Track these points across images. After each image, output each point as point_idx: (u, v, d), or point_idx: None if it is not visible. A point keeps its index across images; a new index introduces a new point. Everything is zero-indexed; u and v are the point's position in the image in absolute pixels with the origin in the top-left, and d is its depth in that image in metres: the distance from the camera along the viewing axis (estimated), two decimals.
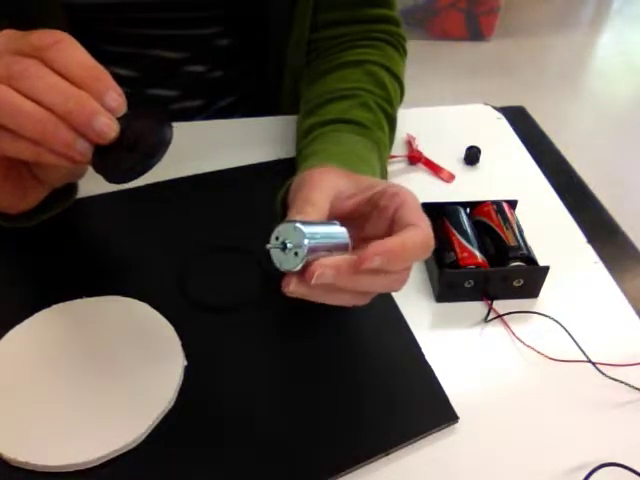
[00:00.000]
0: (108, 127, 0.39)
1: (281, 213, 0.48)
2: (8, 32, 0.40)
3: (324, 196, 0.42)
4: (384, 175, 0.57)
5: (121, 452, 0.39)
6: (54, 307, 0.47)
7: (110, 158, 0.40)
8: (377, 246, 0.37)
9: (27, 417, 0.40)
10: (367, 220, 0.43)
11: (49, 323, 0.46)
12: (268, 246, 0.37)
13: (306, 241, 0.35)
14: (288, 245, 0.36)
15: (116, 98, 0.39)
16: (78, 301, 0.48)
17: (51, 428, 0.40)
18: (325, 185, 0.43)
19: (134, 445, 0.40)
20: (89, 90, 0.38)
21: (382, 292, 0.42)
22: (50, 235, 0.53)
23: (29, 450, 0.38)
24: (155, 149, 0.40)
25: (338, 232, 0.39)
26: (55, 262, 0.52)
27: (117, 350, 0.45)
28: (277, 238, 0.36)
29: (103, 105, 0.38)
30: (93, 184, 0.55)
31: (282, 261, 0.36)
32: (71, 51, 0.39)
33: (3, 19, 0.53)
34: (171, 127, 0.41)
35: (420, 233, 0.40)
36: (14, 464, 0.38)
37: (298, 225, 0.36)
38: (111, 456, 0.39)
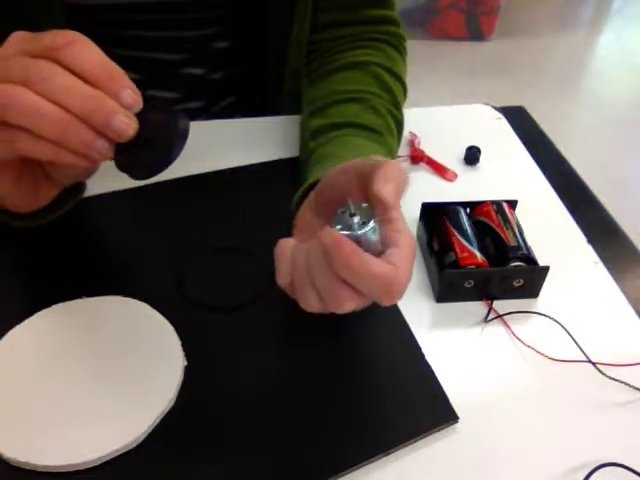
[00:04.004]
0: (127, 125, 0.39)
1: (296, 213, 0.48)
2: (19, 34, 0.41)
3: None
4: None
5: (121, 452, 0.39)
6: (54, 307, 0.47)
7: (132, 156, 0.41)
8: (336, 234, 0.36)
9: (27, 417, 0.40)
10: None
11: (49, 323, 0.46)
12: (341, 209, 0.40)
13: (372, 221, 0.39)
14: (357, 217, 0.39)
15: (131, 95, 0.39)
16: (78, 301, 0.48)
17: (51, 428, 0.40)
18: None
19: (134, 445, 0.40)
20: (105, 89, 0.39)
21: (299, 291, 0.40)
22: (50, 235, 0.53)
23: (29, 450, 0.38)
24: (173, 142, 0.41)
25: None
26: (55, 262, 0.52)
27: (117, 350, 0.45)
28: (350, 209, 0.39)
29: (119, 103, 0.39)
30: (93, 184, 0.56)
31: (344, 226, 0.39)
32: (85, 51, 0.39)
33: (4, 21, 0.54)
34: (186, 118, 0.41)
35: (389, 272, 0.37)
36: (14, 464, 0.38)
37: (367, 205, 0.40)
38: (111, 456, 0.39)
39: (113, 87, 0.39)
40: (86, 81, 0.38)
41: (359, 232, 0.38)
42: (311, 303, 0.40)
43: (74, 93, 0.38)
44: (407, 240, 0.39)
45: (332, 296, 0.38)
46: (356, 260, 0.36)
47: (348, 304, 0.38)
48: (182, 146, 0.41)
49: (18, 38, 0.40)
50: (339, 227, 0.39)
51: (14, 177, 0.45)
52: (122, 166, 0.42)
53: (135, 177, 0.42)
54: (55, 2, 0.58)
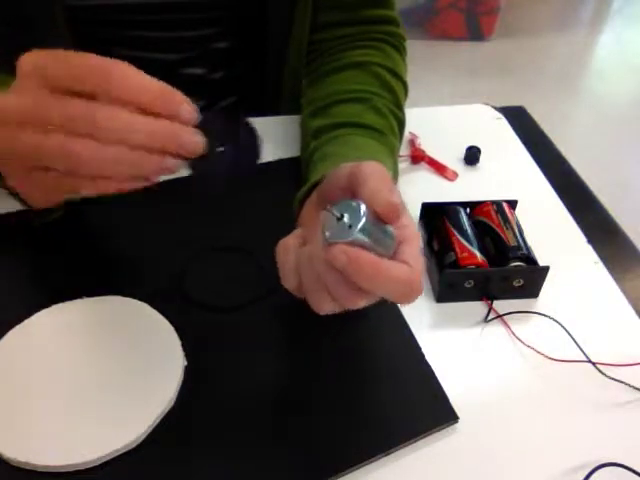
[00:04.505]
0: (195, 145, 0.37)
1: (299, 213, 0.48)
2: (38, 56, 0.37)
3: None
4: (395, 181, 0.58)
5: (121, 452, 0.39)
6: (54, 307, 0.47)
7: (205, 167, 0.40)
8: (350, 250, 0.35)
9: (27, 417, 0.40)
10: None
11: (49, 323, 0.46)
12: (327, 209, 0.37)
13: (363, 219, 0.36)
14: (345, 218, 0.36)
15: (189, 110, 0.38)
16: (78, 301, 0.48)
17: (51, 428, 0.40)
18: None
19: (134, 445, 0.40)
20: (163, 112, 0.36)
21: (312, 299, 0.39)
22: (50, 235, 0.53)
23: (29, 450, 0.38)
24: (252, 148, 0.41)
25: (389, 229, 0.38)
26: (55, 262, 0.52)
27: (117, 350, 0.45)
28: (334, 212, 0.37)
29: (180, 122, 0.37)
30: None
31: (334, 231, 0.37)
32: (131, 79, 0.36)
33: (3, 21, 0.53)
34: (253, 128, 0.41)
35: (410, 275, 0.37)
36: (14, 464, 0.38)
37: (361, 205, 0.37)
38: (111, 456, 0.39)
39: (170, 109, 0.37)
40: (140, 109, 0.36)
41: (350, 237, 0.36)
42: (325, 308, 0.39)
43: (138, 132, 0.36)
44: (413, 234, 0.40)
45: (349, 301, 0.38)
46: (381, 272, 0.36)
47: (363, 303, 0.38)
48: (260, 150, 0.41)
49: (41, 65, 0.37)
50: (328, 234, 0.37)
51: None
52: (197, 179, 0.40)
53: (213, 189, 0.41)
54: (55, 2, 0.58)
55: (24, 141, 0.37)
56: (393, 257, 0.38)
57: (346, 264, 0.35)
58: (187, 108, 0.38)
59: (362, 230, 0.36)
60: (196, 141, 0.38)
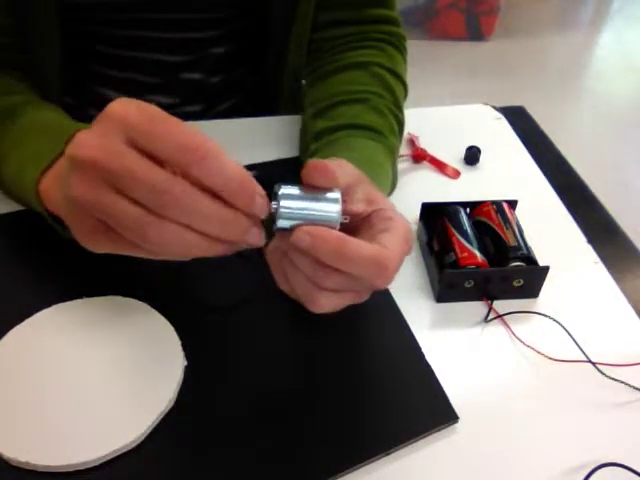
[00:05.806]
0: (260, 237, 0.37)
1: None
2: (129, 108, 0.34)
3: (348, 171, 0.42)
4: (394, 181, 0.58)
5: (121, 452, 0.39)
6: (54, 307, 0.47)
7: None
8: (313, 228, 0.36)
9: (27, 417, 0.40)
10: (354, 232, 0.40)
11: (49, 323, 0.46)
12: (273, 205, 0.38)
13: (281, 201, 0.37)
14: (273, 206, 0.37)
15: (261, 202, 0.36)
16: (78, 301, 0.48)
17: (51, 428, 0.40)
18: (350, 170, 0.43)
19: (134, 445, 0.40)
20: (237, 202, 0.35)
21: (302, 293, 0.39)
22: (50, 235, 0.53)
23: (29, 450, 0.38)
24: None
25: (328, 204, 0.38)
26: (55, 262, 0.52)
27: (117, 350, 0.45)
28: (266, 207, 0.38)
29: (253, 212, 0.36)
30: None
31: (274, 220, 0.38)
32: (220, 164, 0.35)
33: None
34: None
35: (378, 252, 0.37)
36: (14, 464, 0.38)
37: (280, 187, 0.37)
38: (111, 456, 0.39)
39: (246, 201, 0.35)
40: (217, 194, 0.35)
41: (278, 221, 0.37)
42: (321, 302, 0.39)
43: (213, 222, 0.35)
44: (398, 225, 0.40)
45: (328, 281, 0.38)
46: (346, 247, 0.36)
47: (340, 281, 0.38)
48: None
49: (127, 114, 0.34)
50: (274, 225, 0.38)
51: None
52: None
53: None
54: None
55: (101, 199, 0.34)
56: (371, 242, 0.39)
57: (311, 244, 0.36)
58: (260, 201, 0.36)
59: (283, 211, 0.37)
60: (260, 235, 0.37)
